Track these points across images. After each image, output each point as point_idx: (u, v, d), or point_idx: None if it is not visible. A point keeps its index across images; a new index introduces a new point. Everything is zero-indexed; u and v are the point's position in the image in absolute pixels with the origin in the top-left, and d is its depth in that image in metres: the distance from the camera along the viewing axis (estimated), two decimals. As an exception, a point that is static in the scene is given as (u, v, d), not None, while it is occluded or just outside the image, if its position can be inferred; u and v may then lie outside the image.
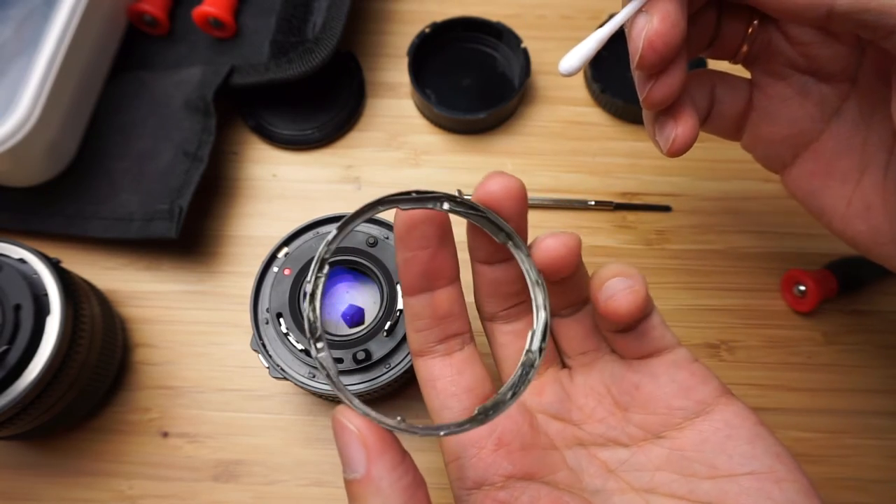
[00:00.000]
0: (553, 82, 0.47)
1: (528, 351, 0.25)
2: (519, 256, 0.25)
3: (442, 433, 0.23)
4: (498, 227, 0.25)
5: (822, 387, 0.41)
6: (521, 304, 0.28)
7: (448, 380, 0.27)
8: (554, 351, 0.29)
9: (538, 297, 0.25)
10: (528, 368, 0.25)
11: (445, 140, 0.46)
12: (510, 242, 0.25)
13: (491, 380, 0.28)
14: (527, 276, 0.25)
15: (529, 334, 0.25)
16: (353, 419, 0.22)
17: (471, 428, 0.23)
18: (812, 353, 0.41)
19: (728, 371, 0.41)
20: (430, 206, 0.25)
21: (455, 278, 0.27)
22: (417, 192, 0.24)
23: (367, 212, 0.24)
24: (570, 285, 0.27)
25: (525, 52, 0.45)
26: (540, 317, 0.25)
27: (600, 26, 0.24)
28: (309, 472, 0.39)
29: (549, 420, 0.28)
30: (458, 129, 0.46)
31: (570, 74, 0.24)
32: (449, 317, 0.27)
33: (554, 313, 0.28)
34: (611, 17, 0.23)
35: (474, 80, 0.47)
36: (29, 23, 0.42)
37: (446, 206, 0.25)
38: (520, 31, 0.45)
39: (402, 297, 0.27)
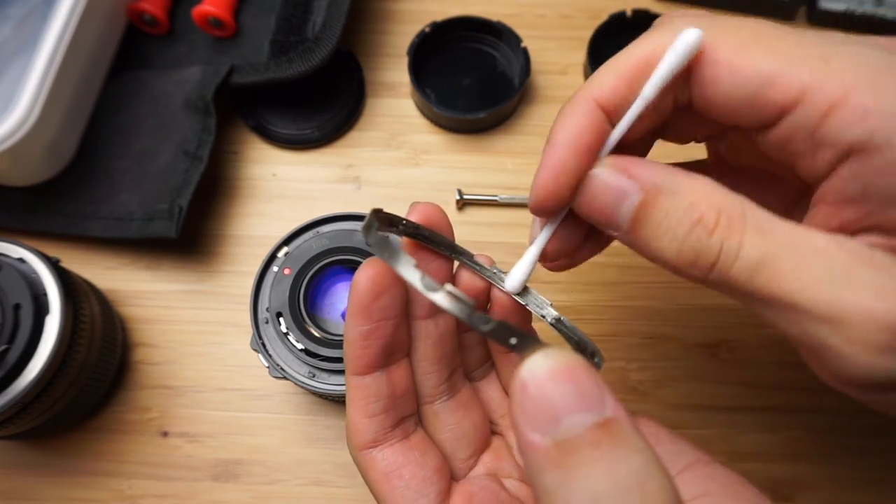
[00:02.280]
0: (553, 82, 0.47)
1: (543, 318, 0.26)
2: (465, 262, 0.26)
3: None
4: (439, 244, 0.25)
5: (821, 386, 0.40)
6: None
7: (415, 464, 0.24)
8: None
9: (544, 308, 0.26)
10: (558, 323, 0.26)
11: (445, 140, 0.46)
12: (453, 254, 0.26)
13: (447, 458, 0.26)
14: (480, 272, 0.26)
15: (531, 308, 0.26)
16: (572, 354, 0.17)
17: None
18: (812, 352, 0.41)
19: (728, 370, 0.41)
20: (393, 228, 0.24)
21: (408, 349, 0.25)
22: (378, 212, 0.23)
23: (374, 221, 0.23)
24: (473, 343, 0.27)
25: (525, 52, 0.45)
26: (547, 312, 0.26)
27: (531, 243, 0.25)
28: (309, 471, 0.39)
29: (513, 483, 0.26)
30: (458, 128, 0.46)
31: (517, 292, 0.25)
32: (406, 394, 0.25)
33: (470, 376, 0.28)
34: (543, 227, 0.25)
35: (474, 80, 0.47)
36: (28, 22, 0.42)
37: (401, 227, 0.24)
38: (520, 31, 0.45)
39: (349, 377, 0.24)
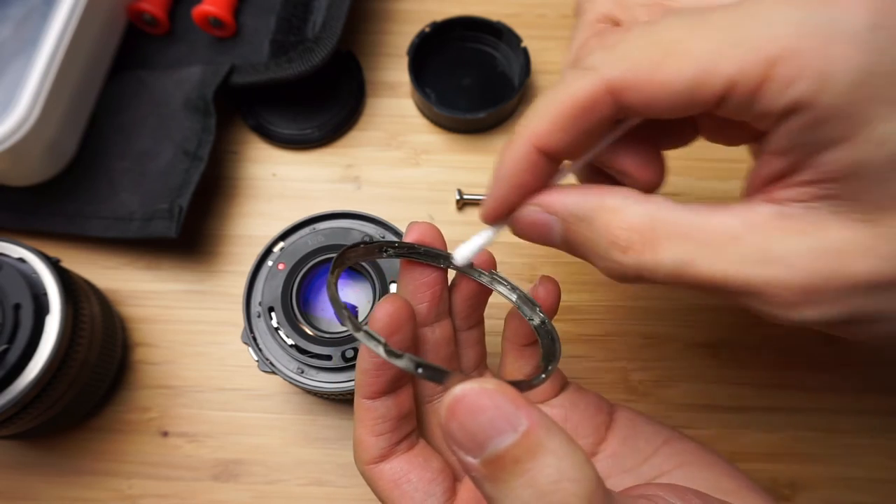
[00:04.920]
0: (553, 81, 0.47)
1: (531, 320, 0.28)
2: (463, 270, 0.27)
3: (535, 382, 0.24)
4: (436, 256, 0.27)
5: (821, 386, 0.41)
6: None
7: (421, 468, 0.26)
8: None
9: (502, 286, 0.28)
10: (540, 328, 0.27)
11: (445, 140, 0.46)
12: (450, 265, 0.27)
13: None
14: (478, 279, 0.28)
15: (522, 312, 0.28)
16: (483, 382, 0.19)
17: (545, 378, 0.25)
18: (812, 352, 0.41)
19: (727, 370, 0.41)
20: (381, 254, 0.26)
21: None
22: (366, 242, 0.26)
23: (339, 266, 0.25)
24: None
25: (525, 52, 0.45)
26: (515, 294, 0.28)
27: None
28: (309, 471, 0.39)
29: None
30: (457, 128, 0.46)
31: (462, 265, 0.27)
32: (410, 413, 0.27)
33: (430, 399, 0.29)
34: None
35: (474, 80, 0.47)
36: (28, 22, 0.42)
37: (390, 251, 0.26)
38: (520, 31, 0.45)
39: (359, 400, 0.26)
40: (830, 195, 0.20)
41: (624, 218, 0.22)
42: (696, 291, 0.22)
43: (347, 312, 0.22)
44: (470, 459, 0.19)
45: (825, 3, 0.19)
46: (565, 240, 0.24)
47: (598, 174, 0.27)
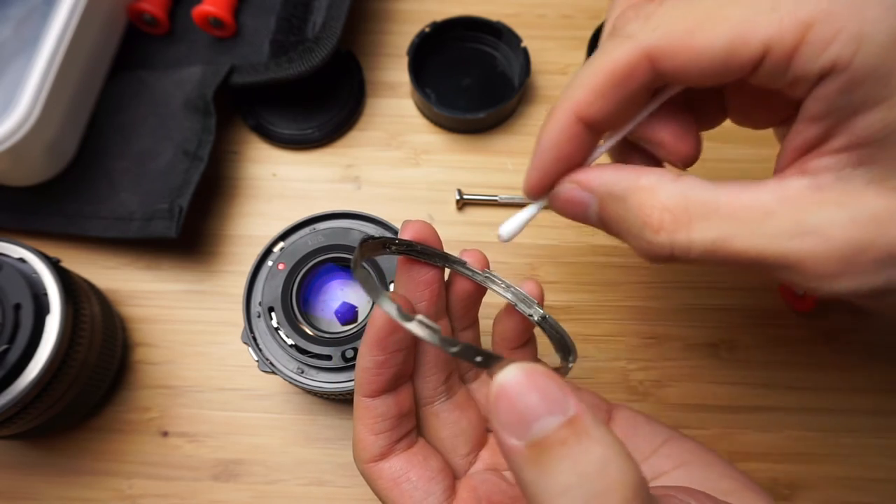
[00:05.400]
0: (553, 82, 0.47)
1: (531, 316, 0.28)
2: (458, 270, 0.28)
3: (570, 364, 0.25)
4: (432, 255, 0.27)
5: (821, 386, 0.41)
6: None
7: (420, 467, 0.26)
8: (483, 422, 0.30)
9: (496, 284, 0.28)
10: (543, 321, 0.27)
11: (445, 140, 0.46)
12: (446, 263, 0.27)
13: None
14: (472, 278, 0.28)
15: (518, 308, 0.28)
16: (534, 365, 0.19)
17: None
18: (812, 352, 0.41)
19: (727, 370, 0.41)
20: (385, 250, 0.26)
21: (412, 373, 0.27)
22: (374, 238, 0.26)
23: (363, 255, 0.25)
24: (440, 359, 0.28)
25: (525, 52, 0.45)
26: (510, 293, 0.28)
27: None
28: (309, 471, 0.39)
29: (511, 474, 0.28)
30: (458, 128, 0.46)
31: (508, 240, 0.26)
32: (409, 412, 0.27)
33: (463, 378, 0.29)
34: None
35: (474, 80, 0.47)
36: (28, 22, 0.42)
37: (393, 248, 0.26)
38: (520, 31, 0.45)
39: (358, 397, 0.26)
40: (865, 160, 0.20)
41: (657, 197, 0.22)
42: (731, 267, 0.22)
43: (397, 304, 0.21)
44: (514, 441, 0.19)
45: None
46: (601, 218, 0.24)
47: (633, 152, 0.27)
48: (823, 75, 0.19)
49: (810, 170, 0.21)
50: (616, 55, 0.22)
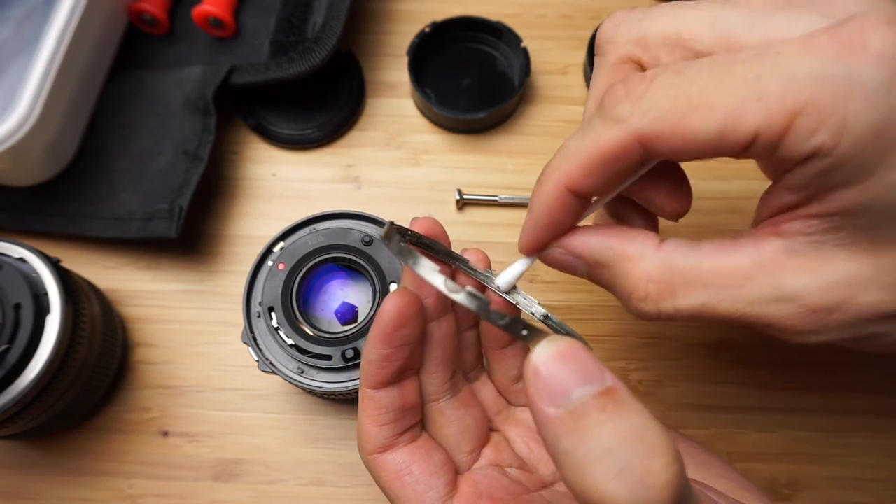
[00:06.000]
0: (553, 82, 0.47)
1: (532, 315, 0.28)
2: (461, 268, 0.28)
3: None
4: (437, 251, 0.27)
5: (821, 386, 0.41)
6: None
7: (423, 460, 0.26)
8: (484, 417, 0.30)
9: (496, 284, 0.28)
10: (546, 319, 0.28)
11: (445, 140, 0.46)
12: (450, 260, 0.28)
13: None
14: (474, 276, 0.28)
15: (521, 306, 0.28)
16: (572, 339, 0.20)
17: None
18: (811, 352, 0.41)
19: (728, 370, 0.41)
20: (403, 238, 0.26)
21: (419, 367, 0.27)
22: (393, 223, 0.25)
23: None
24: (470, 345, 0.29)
25: (525, 52, 0.45)
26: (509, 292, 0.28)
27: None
28: (309, 471, 0.39)
29: (514, 471, 0.28)
30: (457, 128, 0.46)
31: (506, 291, 0.28)
32: (414, 406, 0.27)
33: (466, 377, 0.30)
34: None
35: (474, 80, 0.47)
36: (28, 22, 0.42)
37: (407, 237, 0.27)
38: (520, 31, 0.45)
39: (363, 389, 0.26)
40: (835, 227, 0.22)
41: (642, 268, 0.24)
42: (718, 324, 0.24)
43: (444, 277, 0.22)
44: (552, 410, 0.19)
45: (843, 53, 0.20)
46: (591, 278, 0.26)
47: (626, 204, 0.28)
48: (808, 158, 0.20)
49: (784, 232, 0.23)
50: (607, 137, 0.22)
